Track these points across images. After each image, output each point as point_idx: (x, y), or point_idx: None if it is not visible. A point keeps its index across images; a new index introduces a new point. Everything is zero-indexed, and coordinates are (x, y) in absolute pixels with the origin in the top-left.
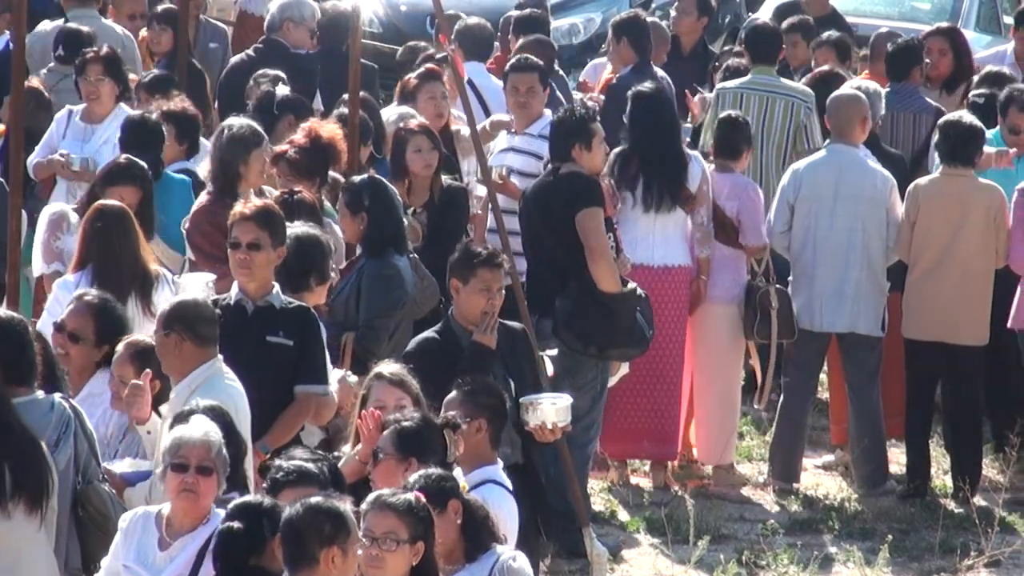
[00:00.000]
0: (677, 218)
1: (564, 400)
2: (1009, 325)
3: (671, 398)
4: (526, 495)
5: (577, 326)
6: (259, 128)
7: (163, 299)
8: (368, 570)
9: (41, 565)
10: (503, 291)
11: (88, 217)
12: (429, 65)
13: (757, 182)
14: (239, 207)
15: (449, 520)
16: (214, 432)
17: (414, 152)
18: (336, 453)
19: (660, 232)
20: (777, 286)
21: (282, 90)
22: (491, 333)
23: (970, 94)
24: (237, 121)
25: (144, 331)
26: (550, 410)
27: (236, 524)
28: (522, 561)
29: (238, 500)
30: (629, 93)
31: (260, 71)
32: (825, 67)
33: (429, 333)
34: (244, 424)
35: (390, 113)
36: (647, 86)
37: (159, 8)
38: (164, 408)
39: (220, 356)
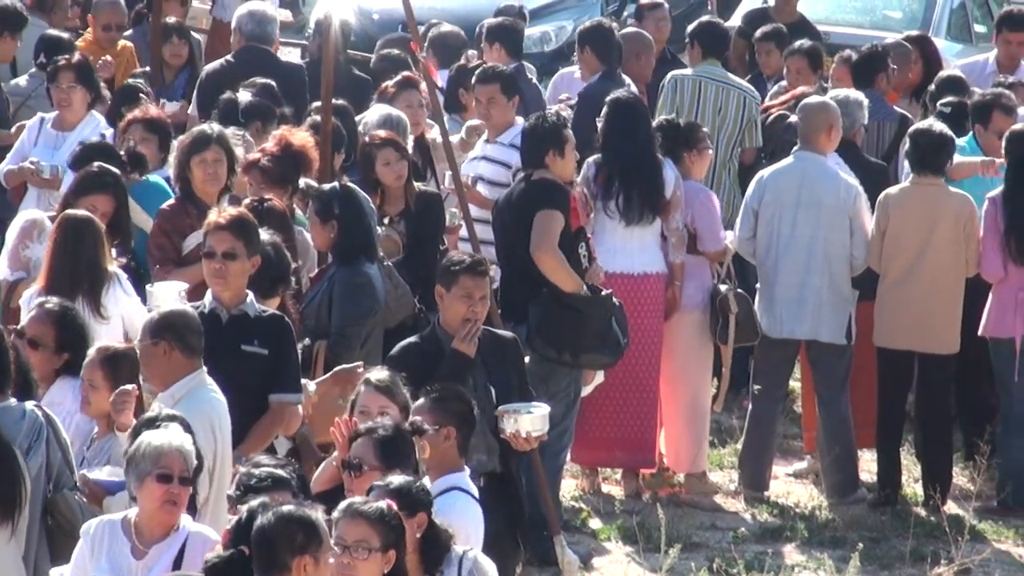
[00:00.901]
0: (653, 225)
1: (541, 409)
2: (980, 333)
3: (647, 406)
4: (504, 503)
5: (547, 332)
6: (211, 133)
7: (113, 300)
8: None
9: (10, 571)
10: (487, 299)
11: (54, 228)
12: (406, 73)
13: (707, 174)
14: (213, 216)
15: (411, 528)
16: (188, 442)
17: (383, 166)
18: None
19: (638, 240)
20: (738, 290)
21: (244, 97)
22: (471, 341)
23: (938, 103)
24: (195, 128)
25: (93, 332)
26: (526, 419)
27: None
28: (482, 558)
29: (247, 515)
30: (607, 100)
31: (249, 80)
32: (807, 88)
33: (414, 338)
34: (225, 435)
35: (373, 114)
36: (623, 93)
37: (173, 21)
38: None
39: (204, 368)
